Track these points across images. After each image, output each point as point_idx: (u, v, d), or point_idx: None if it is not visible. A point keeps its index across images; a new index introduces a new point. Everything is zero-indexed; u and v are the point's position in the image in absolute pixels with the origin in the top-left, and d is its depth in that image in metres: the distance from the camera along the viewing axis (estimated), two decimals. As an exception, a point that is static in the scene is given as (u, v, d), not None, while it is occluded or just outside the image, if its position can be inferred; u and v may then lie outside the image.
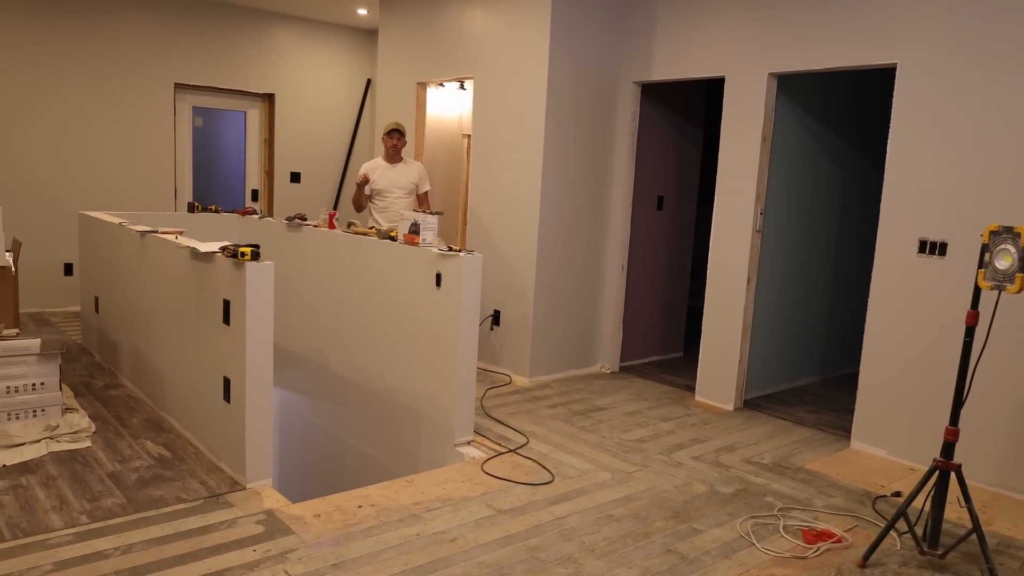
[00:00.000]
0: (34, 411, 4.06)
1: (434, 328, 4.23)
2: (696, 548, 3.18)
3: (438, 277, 4.17)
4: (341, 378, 5.00)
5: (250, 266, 3.38)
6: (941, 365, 4.14)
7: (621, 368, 6.05)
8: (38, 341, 4.06)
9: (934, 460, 3.09)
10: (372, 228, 5.20)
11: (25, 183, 6.87)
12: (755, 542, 3.26)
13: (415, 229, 4.39)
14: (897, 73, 4.30)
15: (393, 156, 5.87)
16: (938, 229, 4.16)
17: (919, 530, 3.20)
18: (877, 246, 4.41)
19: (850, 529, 3.44)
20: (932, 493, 3.12)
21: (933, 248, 4.18)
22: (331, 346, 5.11)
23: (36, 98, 6.86)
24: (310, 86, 8.44)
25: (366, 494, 3.51)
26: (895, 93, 4.30)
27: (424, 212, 4.64)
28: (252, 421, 3.47)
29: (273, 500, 3.37)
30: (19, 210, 6.73)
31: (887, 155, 4.35)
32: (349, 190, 8.45)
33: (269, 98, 8.27)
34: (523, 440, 4.32)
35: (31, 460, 3.64)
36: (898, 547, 3.27)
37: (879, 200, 4.43)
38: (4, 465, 3.55)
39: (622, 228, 5.86)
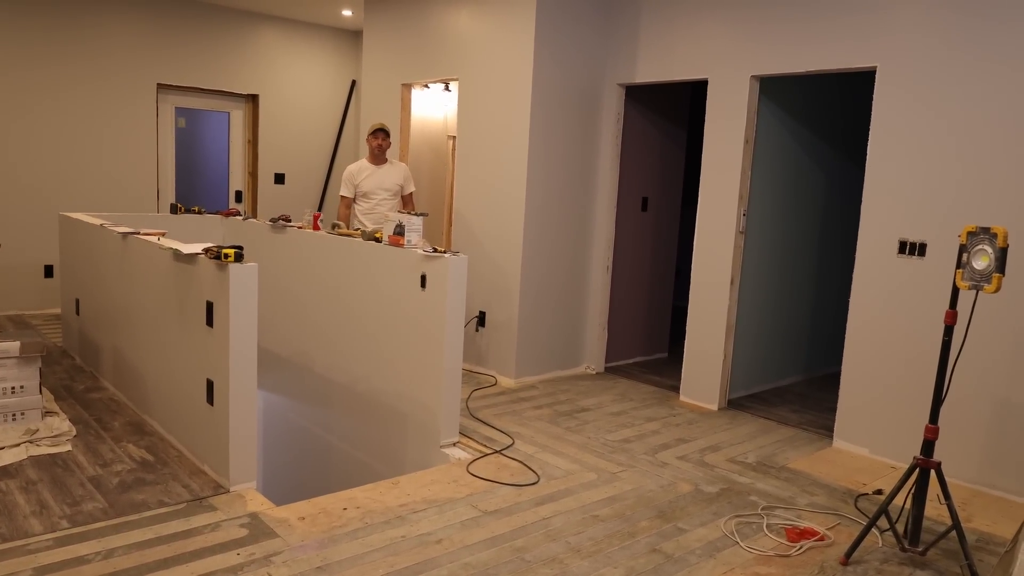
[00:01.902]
0: (13, 415, 4.02)
1: (419, 329, 4.23)
2: (681, 547, 3.19)
3: (423, 278, 4.17)
4: (326, 380, 4.99)
5: (233, 267, 3.36)
6: (921, 364, 4.18)
7: (606, 369, 6.07)
8: (17, 344, 4.02)
9: (914, 458, 3.12)
10: (357, 230, 5.19)
11: (4, 184, 6.80)
12: (739, 541, 3.27)
13: (400, 230, 4.39)
14: (876, 76, 4.34)
15: (378, 157, 5.86)
16: (917, 230, 4.20)
17: (900, 527, 3.23)
18: (858, 247, 4.45)
19: (832, 527, 3.46)
20: (912, 491, 3.15)
21: (913, 249, 4.22)
22: (316, 348, 5.09)
23: (16, 98, 6.79)
24: (294, 87, 8.41)
25: (351, 496, 3.50)
26: (875, 95, 4.34)
27: (409, 213, 4.64)
28: (236, 424, 3.45)
29: (257, 503, 3.36)
30: (-1, 212, 6.67)
31: (867, 157, 4.38)
32: (334, 191, 8.44)
33: (253, 99, 8.23)
34: (509, 441, 4.32)
35: (10, 464, 3.60)
36: (880, 544, 3.30)
37: (860, 201, 4.47)
38: (-16, 469, 3.52)
39: (607, 229, 5.87)
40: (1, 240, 5.97)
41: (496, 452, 4.14)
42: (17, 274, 6.87)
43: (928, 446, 3.11)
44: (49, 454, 3.77)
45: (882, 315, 4.36)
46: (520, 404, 5.06)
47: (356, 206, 5.91)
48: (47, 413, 4.22)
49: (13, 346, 4.01)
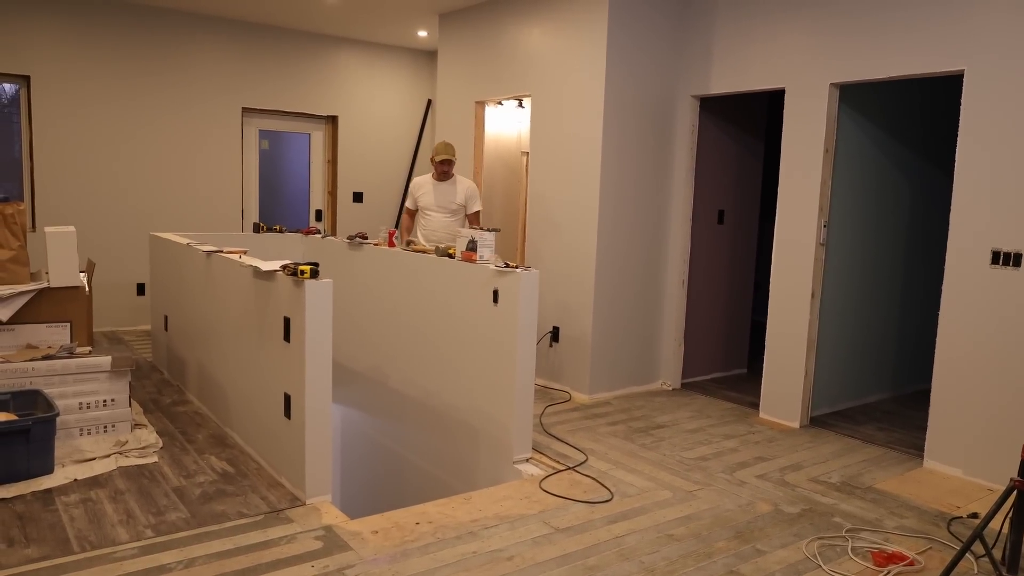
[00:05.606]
0: (105, 427, 4.19)
1: (492, 344, 4.23)
2: (760, 570, 3.09)
3: (495, 294, 4.18)
4: (400, 394, 5.04)
5: (309, 284, 3.43)
6: (1018, 380, 3.96)
7: (683, 385, 5.95)
8: (109, 359, 4.19)
9: (1011, 479, 2.95)
10: (410, 242, 5.23)
11: (101, 206, 7.15)
12: (822, 564, 3.15)
13: (472, 246, 4.41)
14: (964, 79, 4.16)
15: (441, 174, 5.83)
16: (1012, 239, 3.99)
17: (997, 554, 3.05)
18: (947, 257, 4.26)
19: (923, 552, 3.30)
20: (1010, 514, 2.97)
21: (1007, 259, 4.01)
22: (390, 363, 5.15)
23: (110, 124, 7.14)
24: (372, 108, 8.59)
25: (423, 511, 3.52)
26: (963, 100, 4.16)
27: (481, 229, 4.66)
28: (312, 437, 3.51)
29: (332, 516, 3.40)
30: (94, 232, 6.99)
31: (956, 164, 4.20)
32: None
33: (332, 120, 8.45)
34: (582, 457, 4.27)
35: (101, 475, 3.75)
36: (975, 571, 3.13)
37: (948, 210, 4.28)
38: (75, 479, 3.67)
39: (682, 243, 5.78)
40: (96, 260, 6.24)
41: (569, 468, 4.10)
42: (112, 292, 7.19)
43: (1026, 467, 2.93)
44: (137, 465, 3.91)
45: (974, 328, 4.15)
46: (594, 420, 5.01)
47: (418, 221, 5.96)
48: (136, 425, 4.38)
49: (104, 361, 4.19)
